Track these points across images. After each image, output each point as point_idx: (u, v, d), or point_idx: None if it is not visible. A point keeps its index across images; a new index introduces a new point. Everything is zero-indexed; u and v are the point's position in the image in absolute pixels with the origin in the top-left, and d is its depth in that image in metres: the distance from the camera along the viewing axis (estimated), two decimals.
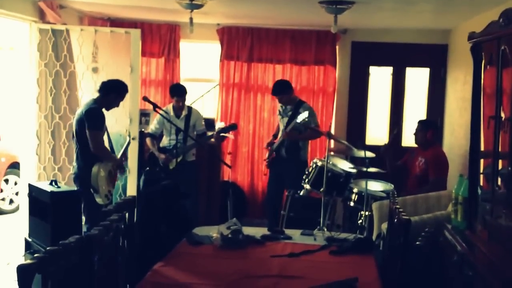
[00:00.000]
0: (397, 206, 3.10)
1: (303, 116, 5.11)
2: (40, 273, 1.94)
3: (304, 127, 5.32)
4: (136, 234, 3.24)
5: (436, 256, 2.92)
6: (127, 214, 2.94)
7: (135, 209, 3.29)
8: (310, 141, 5.84)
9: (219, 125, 6.08)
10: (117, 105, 4.64)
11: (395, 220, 2.99)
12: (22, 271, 1.85)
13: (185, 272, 2.88)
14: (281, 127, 5.57)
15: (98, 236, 2.34)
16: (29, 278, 1.86)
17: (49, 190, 4.23)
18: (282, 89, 5.45)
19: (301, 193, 5.41)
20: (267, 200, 5.84)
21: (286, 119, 5.47)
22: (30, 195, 4.56)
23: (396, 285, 2.92)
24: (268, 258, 3.17)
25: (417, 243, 2.62)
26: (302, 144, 5.48)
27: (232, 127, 5.54)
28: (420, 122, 5.23)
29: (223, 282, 2.73)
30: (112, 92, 4.53)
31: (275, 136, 5.74)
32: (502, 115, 2.65)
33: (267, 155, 5.66)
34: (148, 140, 5.60)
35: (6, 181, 6.97)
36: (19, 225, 5.37)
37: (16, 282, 1.88)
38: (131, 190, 5.17)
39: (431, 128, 5.15)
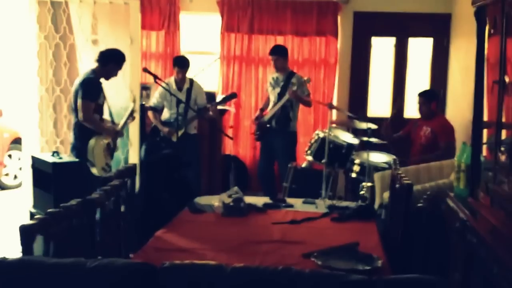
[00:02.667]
0: (399, 172, 3.09)
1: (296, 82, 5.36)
2: (42, 233, 1.95)
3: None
4: (138, 202, 3.25)
5: (438, 218, 2.92)
6: (128, 182, 2.94)
7: (137, 178, 3.30)
8: (302, 111, 5.92)
9: (219, 98, 6.05)
10: (116, 75, 4.61)
11: (397, 185, 2.99)
12: (24, 230, 1.86)
13: (187, 238, 2.89)
14: (272, 98, 5.63)
15: (99, 199, 2.34)
16: (30, 237, 1.87)
17: (51, 161, 4.25)
18: (280, 51, 5.52)
19: (303, 165, 5.44)
20: (259, 172, 5.89)
21: (278, 89, 5.52)
22: (33, 166, 4.57)
23: (398, 250, 2.93)
24: (270, 225, 3.17)
25: (419, 205, 2.62)
26: (293, 115, 5.56)
27: (232, 96, 5.51)
28: (422, 95, 5.16)
29: (225, 247, 2.74)
30: (111, 61, 4.50)
31: (262, 110, 5.77)
32: (506, 79, 2.62)
33: (255, 128, 5.73)
34: (150, 114, 5.57)
35: (10, 156, 6.99)
36: (23, 199, 5.40)
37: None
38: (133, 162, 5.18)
39: (434, 99, 5.12)
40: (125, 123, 4.82)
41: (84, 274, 1.67)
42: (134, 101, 5.00)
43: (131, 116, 4.90)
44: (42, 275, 1.67)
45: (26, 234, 1.87)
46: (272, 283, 1.66)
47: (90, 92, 4.39)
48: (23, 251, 1.88)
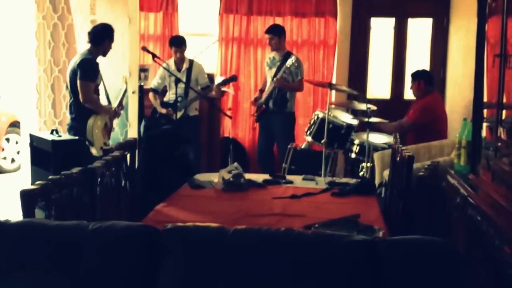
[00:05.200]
0: (399, 145, 3.08)
1: (290, 61, 5.25)
2: (43, 199, 1.94)
3: (292, 78, 5.43)
4: (139, 178, 3.24)
5: (438, 188, 2.92)
6: (128, 155, 2.93)
7: (137, 153, 3.29)
8: (301, 93, 5.94)
9: (218, 80, 6.03)
10: (111, 48, 4.57)
11: (398, 158, 2.98)
12: (25, 195, 1.85)
13: (187, 212, 2.90)
14: (269, 79, 5.62)
15: (99, 169, 2.33)
16: (32, 202, 1.86)
17: (50, 139, 4.23)
18: (276, 30, 5.51)
19: (303, 146, 5.43)
20: (258, 154, 5.87)
21: (274, 69, 5.51)
22: (31, 145, 4.56)
23: (399, 224, 2.93)
24: (270, 199, 3.18)
25: (420, 173, 2.62)
26: (290, 96, 5.53)
27: (232, 79, 5.50)
28: (411, 75, 5.21)
29: (225, 220, 2.72)
30: (105, 38, 4.48)
31: (261, 91, 5.76)
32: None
33: (255, 110, 5.71)
34: (150, 95, 5.56)
35: (8, 140, 6.97)
36: (21, 183, 5.37)
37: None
38: None
39: (419, 78, 5.11)
40: (120, 103, 4.80)
41: (86, 236, 1.67)
42: (126, 82, 4.98)
43: (123, 97, 4.87)
44: (44, 237, 1.67)
45: (27, 199, 1.86)
46: (274, 244, 1.66)
47: (89, 72, 4.37)
48: (24, 216, 1.87)
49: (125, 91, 4.91)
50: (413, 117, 5.00)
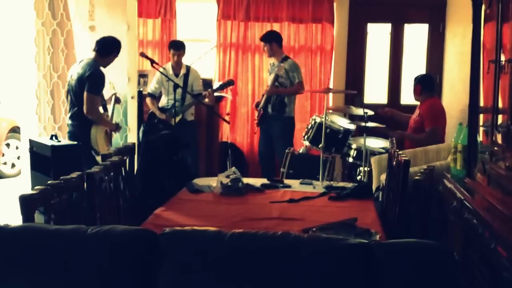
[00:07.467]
0: (396, 150, 3.11)
1: (280, 69, 5.36)
2: (42, 204, 1.96)
3: (290, 82, 5.48)
4: (138, 182, 3.27)
5: (434, 191, 2.94)
6: (127, 160, 2.96)
7: (136, 158, 3.31)
8: (299, 98, 5.96)
9: (216, 85, 6.06)
10: (112, 61, 4.61)
11: (394, 162, 3.00)
12: (24, 200, 1.87)
13: (186, 216, 2.91)
14: (269, 84, 5.64)
15: (98, 173, 2.36)
16: (31, 207, 1.88)
17: (49, 144, 4.26)
18: (265, 37, 5.56)
19: (300, 150, 5.46)
20: (259, 159, 5.91)
21: (273, 75, 5.52)
22: (31, 150, 4.58)
23: (395, 227, 2.95)
24: (268, 203, 3.20)
25: (416, 177, 2.64)
26: (288, 101, 5.55)
27: (229, 83, 5.53)
28: (414, 79, 5.23)
29: (224, 224, 2.75)
30: (113, 51, 4.52)
31: (263, 95, 5.81)
32: (502, 58, 2.64)
33: (256, 114, 5.75)
34: (148, 100, 5.58)
35: (8, 145, 7.00)
36: (21, 188, 5.40)
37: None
38: None
39: (417, 82, 5.13)
40: (113, 112, 4.82)
41: (85, 240, 1.68)
42: (114, 88, 5.01)
43: (116, 102, 4.89)
44: (43, 241, 1.69)
45: (26, 204, 1.88)
46: (271, 248, 1.68)
47: (97, 86, 4.40)
48: (24, 221, 1.89)
49: (116, 97, 4.90)
50: (432, 123, 4.96)
